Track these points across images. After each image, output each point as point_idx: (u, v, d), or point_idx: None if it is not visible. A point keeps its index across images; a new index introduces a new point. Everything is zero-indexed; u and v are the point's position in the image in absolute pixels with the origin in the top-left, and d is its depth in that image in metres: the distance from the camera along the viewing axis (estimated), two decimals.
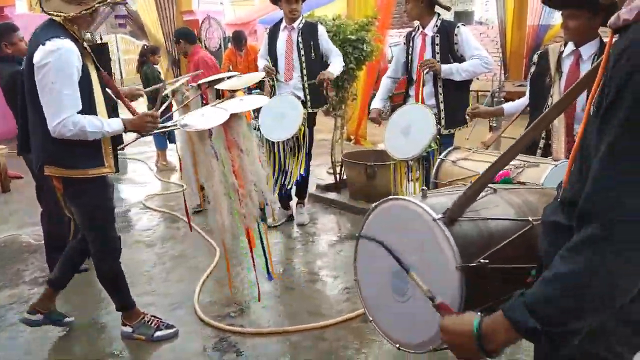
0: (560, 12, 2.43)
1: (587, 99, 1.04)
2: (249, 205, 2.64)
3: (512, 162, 2.33)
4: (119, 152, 2.70)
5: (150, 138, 6.95)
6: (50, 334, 2.89)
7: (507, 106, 2.88)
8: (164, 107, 2.75)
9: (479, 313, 1.06)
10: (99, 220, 2.60)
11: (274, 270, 3.00)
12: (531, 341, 1.01)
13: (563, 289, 0.93)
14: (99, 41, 8.29)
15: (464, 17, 13.62)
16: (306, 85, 4.04)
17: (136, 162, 7.18)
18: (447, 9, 3.38)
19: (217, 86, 2.89)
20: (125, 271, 3.67)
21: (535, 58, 2.71)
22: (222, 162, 2.55)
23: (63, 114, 2.25)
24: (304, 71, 4.02)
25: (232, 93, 2.77)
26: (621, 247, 0.89)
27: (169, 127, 2.64)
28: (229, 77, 2.92)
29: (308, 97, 4.06)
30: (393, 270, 1.39)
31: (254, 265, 2.82)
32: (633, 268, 0.90)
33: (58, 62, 2.23)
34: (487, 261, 1.26)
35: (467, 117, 2.92)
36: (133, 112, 2.63)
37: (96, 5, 2.31)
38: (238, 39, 7.75)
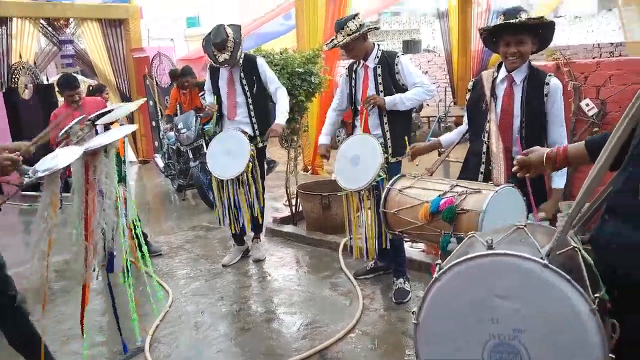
0: (506, 42, 2.48)
1: None
2: (89, 261, 2.47)
3: (455, 190, 2.37)
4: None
5: None
6: None
7: (444, 138, 2.93)
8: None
9: None
10: None
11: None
12: None
13: None
14: (45, 82, 8.06)
15: (412, 45, 14.03)
16: (254, 120, 4.02)
17: None
18: (376, 29, 3.44)
19: (99, 121, 2.67)
20: (75, 320, 3.50)
21: (470, 85, 2.78)
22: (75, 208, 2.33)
23: None
24: (250, 106, 4.00)
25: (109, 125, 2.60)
26: None
27: (39, 177, 2.23)
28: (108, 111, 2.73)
29: (257, 131, 4.04)
30: (493, 343, 1.23)
31: (81, 328, 2.73)
32: None
33: None
34: (600, 293, 1.21)
35: (408, 156, 2.94)
36: None
37: None
38: (174, 77, 7.19)
